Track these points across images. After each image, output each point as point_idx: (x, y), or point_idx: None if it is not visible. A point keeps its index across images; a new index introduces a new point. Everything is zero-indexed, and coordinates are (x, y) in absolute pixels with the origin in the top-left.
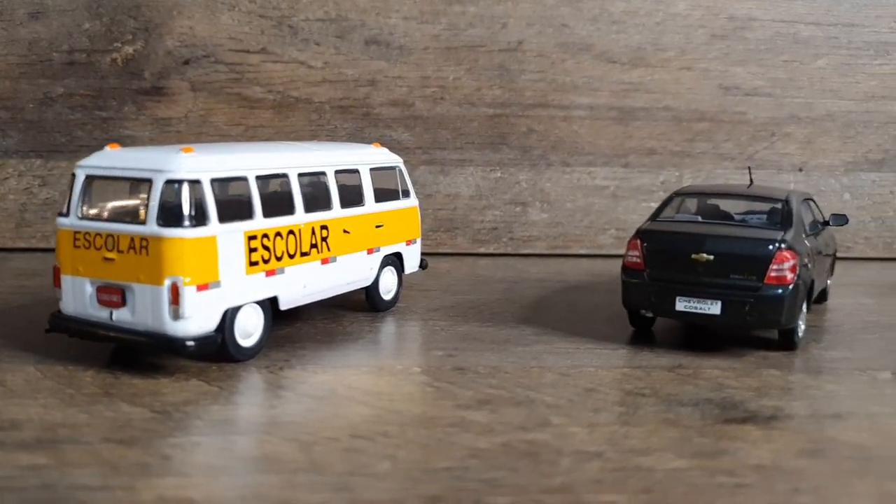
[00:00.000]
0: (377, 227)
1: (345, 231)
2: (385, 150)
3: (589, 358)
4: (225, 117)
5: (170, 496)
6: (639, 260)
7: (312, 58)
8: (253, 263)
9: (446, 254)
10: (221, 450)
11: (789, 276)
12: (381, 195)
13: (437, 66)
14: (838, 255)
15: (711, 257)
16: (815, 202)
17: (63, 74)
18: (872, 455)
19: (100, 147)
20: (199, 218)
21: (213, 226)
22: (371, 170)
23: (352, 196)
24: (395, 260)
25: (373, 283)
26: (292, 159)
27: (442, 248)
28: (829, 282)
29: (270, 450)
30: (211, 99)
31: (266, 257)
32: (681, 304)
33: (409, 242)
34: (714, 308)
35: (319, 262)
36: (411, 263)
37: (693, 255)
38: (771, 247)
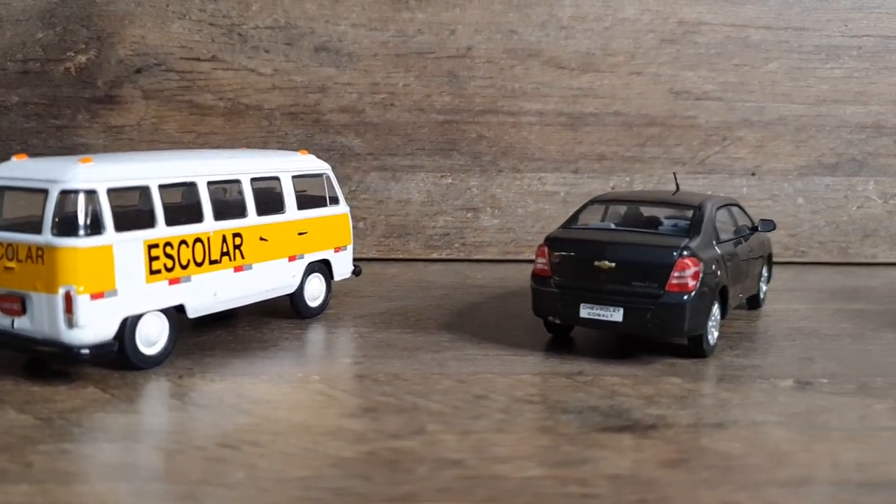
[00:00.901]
0: (300, 234)
1: (262, 239)
2: (312, 157)
3: (493, 364)
4: (177, 124)
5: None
6: (546, 267)
7: (262, 65)
8: (154, 272)
9: (399, 259)
10: (85, 457)
11: (691, 283)
12: (306, 202)
13: (387, 72)
14: (794, 260)
15: (613, 265)
16: (741, 207)
17: (17, 83)
18: (735, 465)
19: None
20: (95, 227)
21: (109, 235)
22: (294, 177)
23: (271, 203)
24: (323, 267)
25: (297, 290)
26: (202, 168)
27: (394, 254)
28: (763, 287)
29: (133, 458)
30: (163, 106)
31: (169, 265)
32: (585, 311)
33: (337, 249)
34: (616, 315)
35: (232, 269)
36: (341, 270)
37: (596, 263)
38: (672, 254)
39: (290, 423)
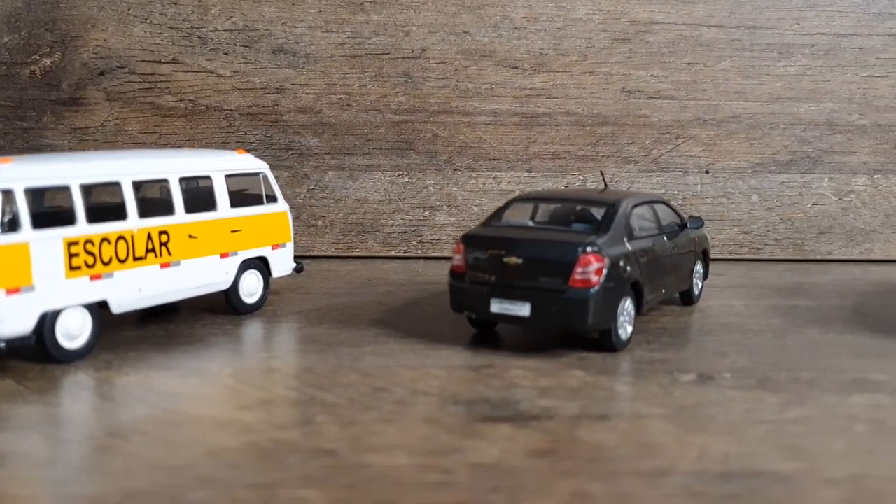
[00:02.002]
0: (233, 231)
1: (190, 236)
2: (249, 156)
3: (407, 358)
4: (139, 126)
5: None
6: (461, 263)
7: (221, 67)
8: (74, 268)
9: (357, 257)
10: None
11: (594, 278)
12: (241, 200)
13: (343, 73)
14: (749, 257)
15: (521, 261)
16: (668, 205)
17: None
18: (602, 456)
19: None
20: (11, 225)
21: (26, 232)
22: (227, 176)
23: (201, 202)
24: (260, 264)
25: (231, 287)
26: (127, 167)
27: (353, 252)
28: (699, 283)
29: (23, 446)
30: (126, 108)
31: (90, 262)
32: (495, 307)
33: (275, 246)
34: (524, 310)
35: (158, 266)
36: (280, 267)
37: (505, 259)
38: (575, 251)
39: (186, 414)
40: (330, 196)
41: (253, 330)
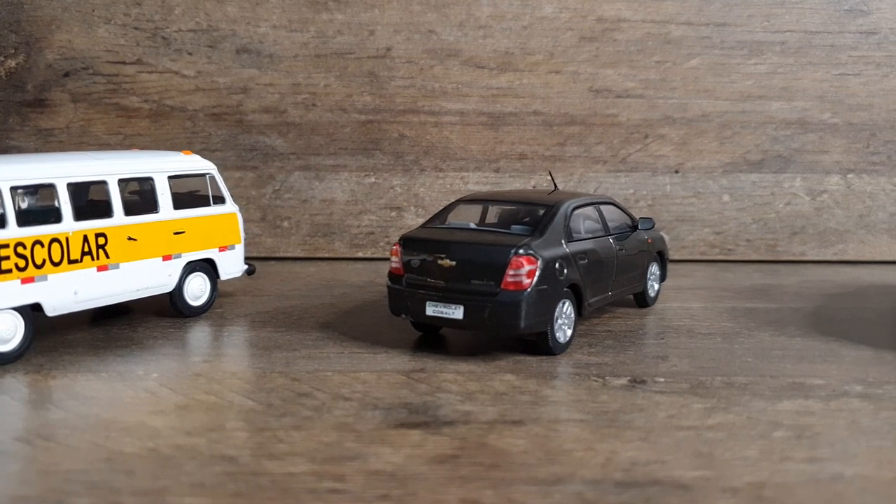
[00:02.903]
0: (176, 233)
1: (130, 238)
2: (196, 157)
3: (341, 363)
4: (104, 127)
5: None
6: (399, 266)
7: (186, 67)
8: (5, 271)
9: (324, 258)
10: None
11: (526, 281)
12: (186, 202)
13: (308, 73)
14: (721, 258)
15: (454, 263)
16: (619, 206)
17: None
18: (503, 462)
19: None
20: None
21: None
22: (170, 178)
23: (142, 204)
24: (207, 266)
25: (176, 290)
26: (62, 170)
27: (320, 253)
28: (655, 285)
29: None
30: (91, 109)
31: (22, 265)
32: (430, 309)
33: (223, 248)
34: (457, 313)
35: (95, 269)
36: (229, 269)
37: (439, 261)
38: (507, 253)
39: (97, 419)
40: (296, 197)
41: (193, 333)
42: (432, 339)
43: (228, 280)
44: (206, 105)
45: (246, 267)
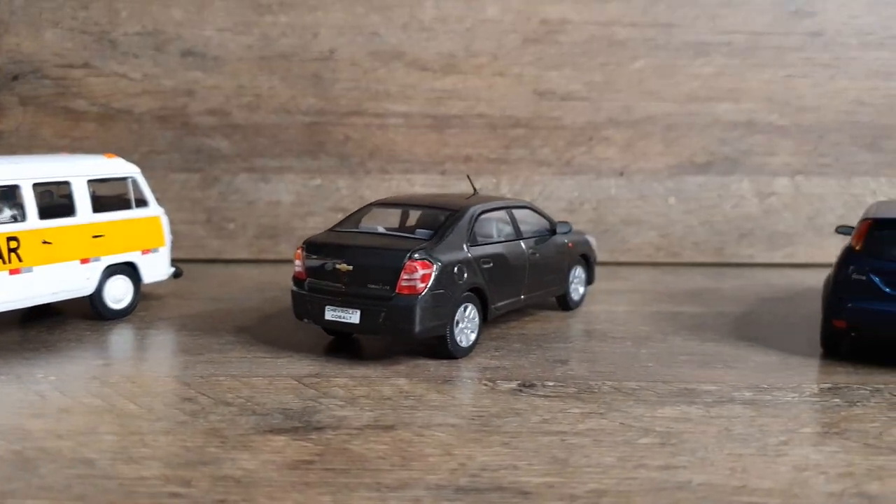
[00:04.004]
0: (95, 237)
1: (45, 242)
2: (119, 160)
3: (241, 368)
4: (52, 130)
5: None
6: (301, 270)
7: (132, 70)
8: None
9: (270, 261)
10: None
11: (420, 285)
12: (106, 205)
13: (252, 75)
14: (667, 261)
15: (351, 267)
16: (536, 210)
17: None
18: (356, 468)
19: None
20: None
21: None
22: (90, 181)
23: (59, 207)
24: (129, 269)
25: (95, 293)
26: None
27: (266, 256)
28: (580, 289)
29: None
30: (39, 112)
31: None
32: (329, 314)
33: (146, 251)
34: (354, 317)
35: (7, 272)
36: (153, 272)
37: (336, 266)
38: (402, 257)
39: None
40: (241, 199)
41: (107, 336)
42: (343, 344)
43: (160, 283)
44: (152, 107)
45: (172, 270)
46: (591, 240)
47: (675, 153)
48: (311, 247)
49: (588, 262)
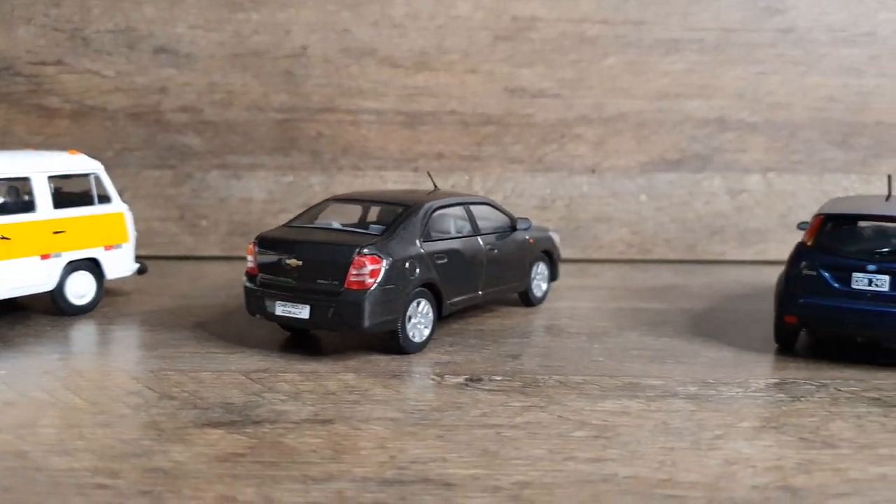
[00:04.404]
0: (56, 233)
1: (3, 237)
2: (82, 156)
3: (192, 362)
4: (26, 127)
5: None
6: (254, 265)
7: (105, 67)
8: None
9: (242, 257)
10: None
11: (369, 280)
12: (68, 201)
13: (225, 72)
14: (639, 258)
15: (300, 263)
16: (496, 206)
17: None
18: (286, 461)
19: None
20: None
21: None
22: (51, 178)
23: (18, 203)
24: (92, 265)
25: (56, 288)
26: None
27: (238, 252)
28: (543, 285)
29: None
30: (12, 109)
31: None
32: (279, 309)
33: (109, 247)
34: (304, 312)
35: None
36: (116, 268)
37: (287, 261)
38: (351, 252)
39: None
40: (214, 196)
41: (68, 332)
42: (300, 339)
43: (125, 279)
44: (125, 105)
45: (137, 266)
46: (555, 236)
47: (647, 150)
48: (263, 242)
49: (551, 258)
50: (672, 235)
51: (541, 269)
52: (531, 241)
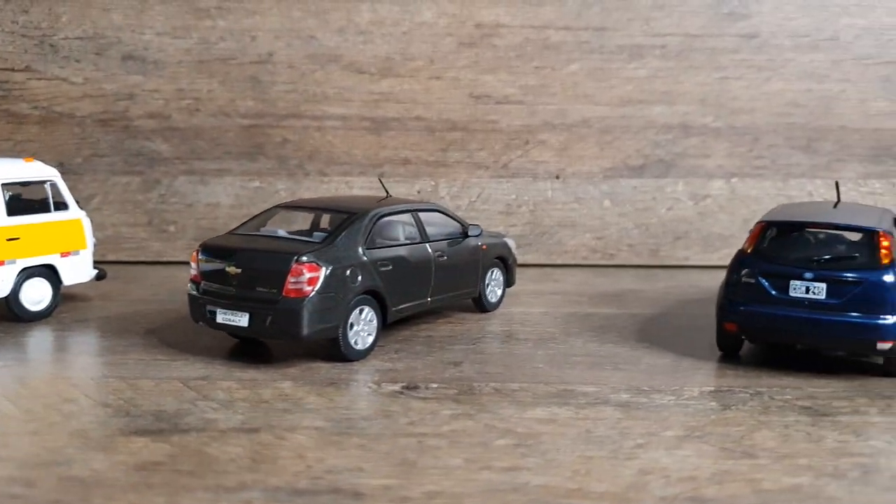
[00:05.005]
0: (10, 240)
1: None
2: (38, 164)
3: (134, 370)
4: None
5: None
6: (196, 272)
7: (73, 74)
8: None
9: None
10: None
11: (307, 288)
12: (23, 208)
13: (192, 78)
14: (602, 263)
15: (240, 270)
16: (446, 213)
17: None
18: (202, 470)
19: None
20: None
21: None
22: (4, 185)
23: None
24: (48, 271)
25: (11, 295)
26: None
27: None
28: (497, 291)
29: None
30: None
31: None
32: (220, 317)
33: (65, 254)
34: (243, 320)
35: None
36: (73, 275)
37: (227, 268)
38: (289, 260)
39: None
40: (181, 201)
41: (20, 338)
42: (249, 347)
43: (86, 285)
44: (93, 111)
45: (96, 272)
46: (510, 242)
47: (610, 156)
48: (206, 250)
49: (506, 264)
50: (636, 241)
51: (496, 276)
52: (484, 247)
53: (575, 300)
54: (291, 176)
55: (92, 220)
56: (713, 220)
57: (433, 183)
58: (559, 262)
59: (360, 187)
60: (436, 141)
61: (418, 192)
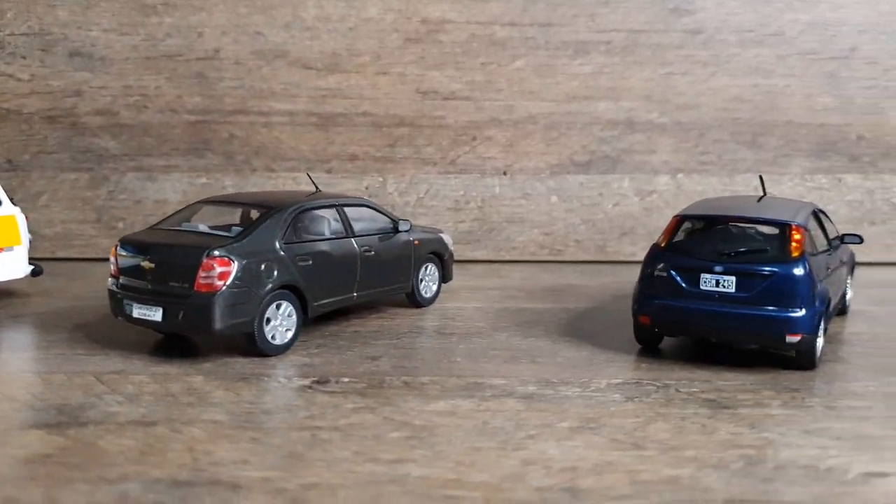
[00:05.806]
0: None
1: None
2: None
3: (53, 364)
4: None
5: None
6: (115, 267)
7: (20, 70)
8: None
9: None
10: None
11: (218, 283)
12: None
13: (139, 75)
14: (550, 258)
15: (153, 265)
16: (375, 208)
17: None
18: (91, 462)
19: None
20: None
21: None
22: None
23: None
24: None
25: None
26: None
27: None
28: (432, 286)
29: None
30: None
31: None
32: (136, 312)
33: (0, 250)
34: (157, 315)
35: None
36: (7, 271)
37: (142, 263)
38: (200, 255)
39: None
40: (130, 198)
41: None
42: (176, 342)
43: (23, 280)
44: (41, 108)
45: (31, 268)
46: (446, 237)
47: (557, 152)
48: (124, 244)
49: (442, 259)
50: (583, 236)
51: (430, 271)
52: (416, 242)
53: (513, 295)
54: (238, 172)
55: (40, 218)
56: (659, 215)
57: (381, 179)
58: (507, 258)
59: (307, 183)
60: (383, 137)
61: (366, 187)
